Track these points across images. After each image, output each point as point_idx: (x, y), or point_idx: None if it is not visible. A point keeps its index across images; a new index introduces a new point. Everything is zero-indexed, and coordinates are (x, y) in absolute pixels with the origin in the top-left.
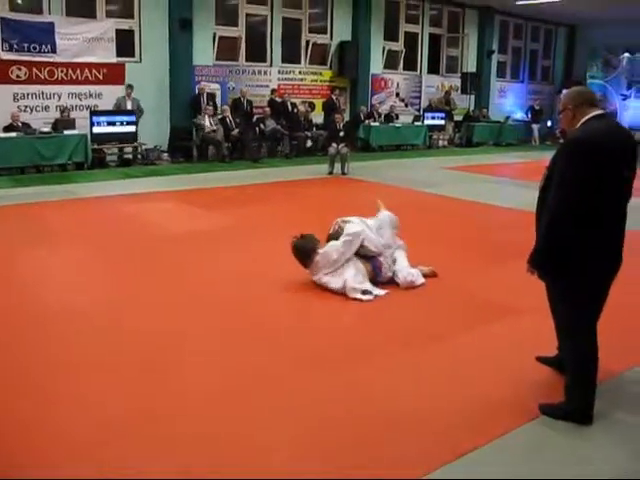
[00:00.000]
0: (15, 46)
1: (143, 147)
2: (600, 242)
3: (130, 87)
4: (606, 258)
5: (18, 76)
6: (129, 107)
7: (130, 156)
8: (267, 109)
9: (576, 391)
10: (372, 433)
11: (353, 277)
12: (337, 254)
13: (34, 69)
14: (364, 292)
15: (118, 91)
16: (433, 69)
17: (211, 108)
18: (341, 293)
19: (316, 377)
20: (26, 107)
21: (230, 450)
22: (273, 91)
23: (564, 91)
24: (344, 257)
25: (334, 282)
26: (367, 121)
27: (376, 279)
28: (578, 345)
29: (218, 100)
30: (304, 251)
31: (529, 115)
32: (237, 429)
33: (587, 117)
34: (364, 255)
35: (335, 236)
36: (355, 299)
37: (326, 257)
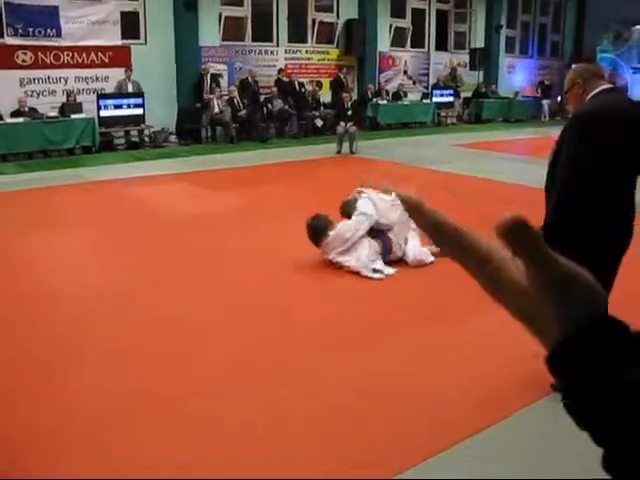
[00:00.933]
0: (20, 31)
1: (151, 129)
2: (610, 217)
3: (129, 69)
4: (616, 233)
5: (24, 61)
6: (130, 89)
7: (138, 139)
8: (274, 89)
9: None
10: (383, 414)
11: (367, 255)
12: (349, 233)
13: (39, 53)
14: (375, 270)
15: (124, 74)
16: (441, 45)
17: (219, 89)
18: (354, 271)
19: (326, 360)
20: (33, 92)
21: (235, 437)
22: (280, 71)
23: (573, 65)
24: (357, 235)
25: (348, 260)
26: (375, 99)
27: (384, 257)
28: None
29: (225, 81)
30: (317, 230)
31: (539, 91)
32: (244, 413)
33: (596, 90)
34: (376, 229)
35: (348, 206)
36: (367, 277)
37: (338, 237)
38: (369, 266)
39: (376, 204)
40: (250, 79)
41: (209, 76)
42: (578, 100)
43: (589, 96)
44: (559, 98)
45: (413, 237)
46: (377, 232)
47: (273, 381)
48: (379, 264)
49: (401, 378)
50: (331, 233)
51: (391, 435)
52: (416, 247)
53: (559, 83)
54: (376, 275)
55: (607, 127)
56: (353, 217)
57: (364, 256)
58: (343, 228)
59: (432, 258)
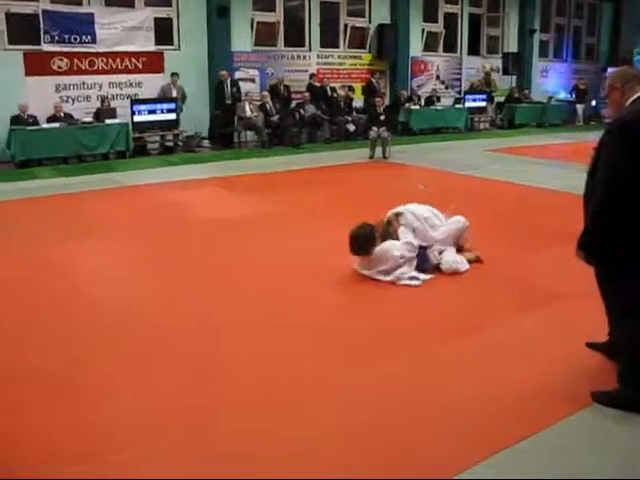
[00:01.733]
0: (56, 37)
1: (184, 134)
2: None
3: (176, 75)
4: None
5: (60, 67)
6: (174, 95)
7: (171, 144)
8: (306, 94)
9: (631, 378)
10: (424, 423)
11: (408, 273)
12: (397, 252)
13: (75, 60)
14: (411, 278)
15: (157, 79)
16: (473, 50)
17: (243, 94)
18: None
19: (357, 370)
20: (68, 98)
21: (262, 445)
22: (312, 76)
23: (609, 69)
24: (401, 260)
25: (387, 277)
26: (407, 104)
27: (422, 267)
28: (633, 327)
29: (257, 86)
30: (364, 241)
31: (573, 95)
32: (271, 424)
33: (636, 96)
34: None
35: (386, 232)
36: (404, 285)
37: (385, 253)
38: (405, 276)
39: (415, 228)
40: (279, 85)
41: (229, 82)
42: (618, 105)
43: (629, 101)
44: (594, 102)
45: (450, 249)
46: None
47: (306, 392)
48: (414, 272)
49: (438, 388)
50: (377, 249)
51: (429, 444)
52: (452, 255)
53: (594, 87)
54: (413, 282)
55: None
56: (401, 242)
57: (406, 274)
58: (390, 246)
59: (467, 266)
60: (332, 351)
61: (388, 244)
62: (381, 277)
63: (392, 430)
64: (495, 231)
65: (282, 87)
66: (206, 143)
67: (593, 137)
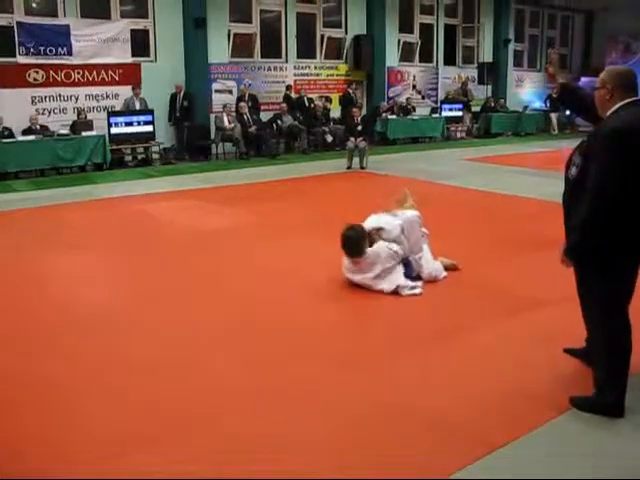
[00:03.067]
0: (32, 50)
1: (161, 146)
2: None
3: (137, 87)
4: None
5: (35, 79)
6: (137, 107)
7: (148, 156)
8: (284, 105)
9: (607, 383)
10: (403, 429)
11: (403, 279)
12: (385, 255)
13: (51, 72)
14: (412, 288)
15: (131, 92)
16: (449, 60)
17: (229, 108)
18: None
19: (345, 376)
20: (44, 110)
21: (257, 449)
22: (288, 87)
23: (582, 79)
24: (393, 262)
25: (386, 286)
26: (384, 114)
27: (408, 275)
28: (609, 332)
29: (234, 98)
30: (357, 241)
31: (547, 104)
32: (264, 428)
33: (625, 102)
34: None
35: (370, 239)
36: (408, 295)
37: (377, 254)
38: (407, 285)
39: (395, 238)
40: (244, 94)
41: (182, 94)
42: (602, 104)
43: (617, 105)
44: (568, 111)
45: (426, 250)
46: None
47: (293, 398)
48: (411, 282)
49: (419, 395)
50: (369, 250)
51: (410, 452)
52: (429, 263)
53: None
54: (416, 291)
55: (638, 143)
56: (384, 246)
57: (402, 280)
58: (381, 248)
59: (445, 273)
60: (318, 356)
61: (381, 244)
62: (378, 282)
63: (374, 436)
64: (472, 239)
65: (247, 96)
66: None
67: (567, 145)
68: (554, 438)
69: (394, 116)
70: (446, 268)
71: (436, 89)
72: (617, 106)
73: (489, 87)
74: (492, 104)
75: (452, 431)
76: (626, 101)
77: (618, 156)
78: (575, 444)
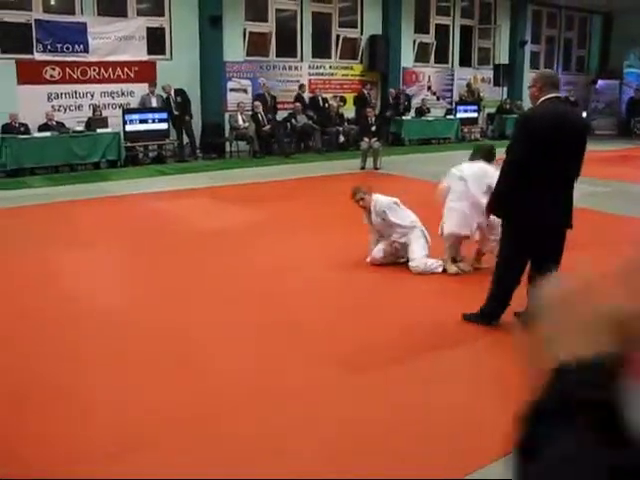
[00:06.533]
0: (49, 47)
1: (175, 144)
2: (535, 196)
3: (153, 84)
4: (540, 211)
5: (52, 76)
6: (154, 104)
7: (162, 153)
8: (298, 104)
9: (493, 296)
10: (405, 440)
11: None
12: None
13: (67, 69)
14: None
15: (147, 89)
16: (465, 61)
17: (243, 107)
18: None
19: (346, 378)
20: (60, 106)
21: (255, 452)
22: (301, 86)
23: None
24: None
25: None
26: (389, 112)
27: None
28: (504, 269)
29: (249, 96)
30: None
31: None
32: (264, 430)
33: (546, 97)
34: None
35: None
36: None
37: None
38: (437, 264)
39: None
40: (266, 94)
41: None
42: (533, 99)
43: (541, 99)
44: (584, 114)
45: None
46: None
47: (293, 400)
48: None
49: (424, 405)
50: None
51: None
52: (424, 258)
53: (584, 98)
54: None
55: (538, 128)
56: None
57: (434, 264)
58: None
59: (440, 269)
60: (322, 355)
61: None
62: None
63: (389, 436)
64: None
65: (269, 96)
66: (197, 153)
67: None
68: None
69: (408, 117)
70: (462, 271)
71: (451, 90)
72: (542, 99)
73: (505, 89)
74: (507, 106)
75: (472, 430)
76: (549, 96)
77: (521, 137)
78: None
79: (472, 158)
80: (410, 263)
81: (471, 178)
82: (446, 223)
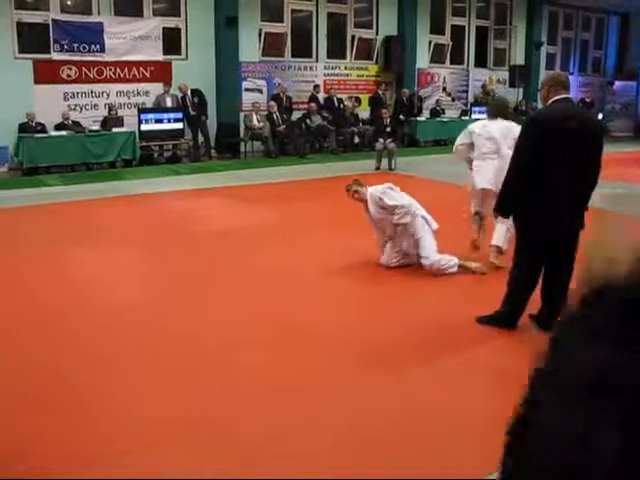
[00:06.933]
0: (65, 46)
1: (190, 143)
2: (549, 199)
3: (168, 84)
4: (549, 212)
5: (68, 75)
6: (169, 104)
7: (177, 153)
8: (312, 105)
9: (506, 299)
10: (422, 441)
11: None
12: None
13: (83, 68)
14: (452, 266)
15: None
16: (480, 62)
17: (258, 107)
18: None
19: (367, 375)
20: (76, 106)
21: (269, 453)
22: (316, 87)
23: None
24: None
25: (427, 244)
26: (402, 116)
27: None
28: (519, 272)
29: (264, 96)
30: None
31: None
32: (278, 431)
33: (556, 97)
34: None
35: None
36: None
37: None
38: (451, 263)
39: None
40: (281, 94)
41: (189, 92)
42: (544, 99)
43: (551, 100)
44: (600, 115)
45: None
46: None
47: (308, 403)
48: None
49: (450, 402)
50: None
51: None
52: (437, 255)
53: (601, 100)
54: (454, 269)
55: (546, 130)
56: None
57: (448, 262)
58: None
59: (455, 268)
60: (341, 356)
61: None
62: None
63: (411, 437)
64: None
65: (284, 97)
66: (212, 152)
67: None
68: None
69: (423, 118)
70: (473, 271)
71: (466, 91)
72: (551, 100)
73: (520, 90)
74: (523, 107)
75: (488, 430)
76: (558, 97)
77: (529, 137)
78: None
79: (491, 117)
80: (423, 261)
81: (500, 136)
82: (477, 179)
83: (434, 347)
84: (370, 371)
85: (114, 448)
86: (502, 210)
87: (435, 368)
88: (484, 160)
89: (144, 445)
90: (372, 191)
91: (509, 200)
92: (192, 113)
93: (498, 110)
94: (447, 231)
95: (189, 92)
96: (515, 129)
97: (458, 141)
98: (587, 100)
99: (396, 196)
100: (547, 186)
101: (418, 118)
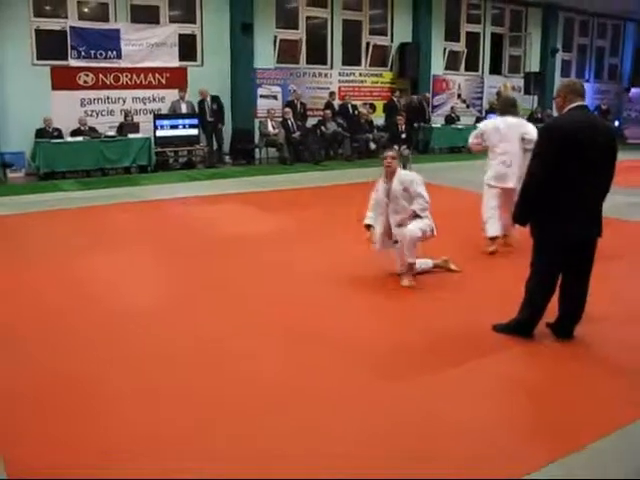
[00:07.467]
0: (83, 53)
1: (205, 149)
2: (566, 208)
3: (183, 90)
4: (567, 221)
5: (85, 82)
6: (184, 110)
7: (192, 159)
8: (327, 111)
9: (523, 306)
10: (437, 447)
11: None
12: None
13: (100, 75)
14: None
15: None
16: (495, 69)
17: (273, 113)
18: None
19: (377, 382)
20: (92, 112)
21: (285, 457)
22: (332, 94)
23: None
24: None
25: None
26: (415, 124)
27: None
28: (537, 281)
29: (279, 103)
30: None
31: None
32: (295, 437)
33: (572, 105)
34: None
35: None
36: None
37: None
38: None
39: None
40: (296, 100)
41: (209, 99)
42: (560, 107)
43: (566, 108)
44: (617, 122)
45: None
46: None
47: (321, 404)
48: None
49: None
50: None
51: (477, 454)
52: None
53: (616, 107)
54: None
55: (563, 138)
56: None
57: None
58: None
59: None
60: (351, 362)
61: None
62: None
63: (406, 447)
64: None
65: (299, 104)
66: (227, 159)
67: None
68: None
69: (437, 124)
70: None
71: (481, 98)
72: (567, 108)
73: (535, 97)
74: (538, 115)
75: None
76: (574, 105)
77: (545, 146)
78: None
79: (503, 114)
80: (407, 229)
81: (510, 132)
82: (493, 177)
83: (448, 354)
84: (382, 377)
85: (119, 456)
86: (521, 218)
87: (449, 375)
88: (495, 158)
89: (150, 451)
90: (404, 172)
91: (528, 208)
92: (209, 119)
93: (506, 107)
94: (461, 240)
95: (209, 98)
96: (526, 126)
97: (471, 138)
98: (603, 107)
99: (425, 189)
100: (565, 193)
101: (433, 125)
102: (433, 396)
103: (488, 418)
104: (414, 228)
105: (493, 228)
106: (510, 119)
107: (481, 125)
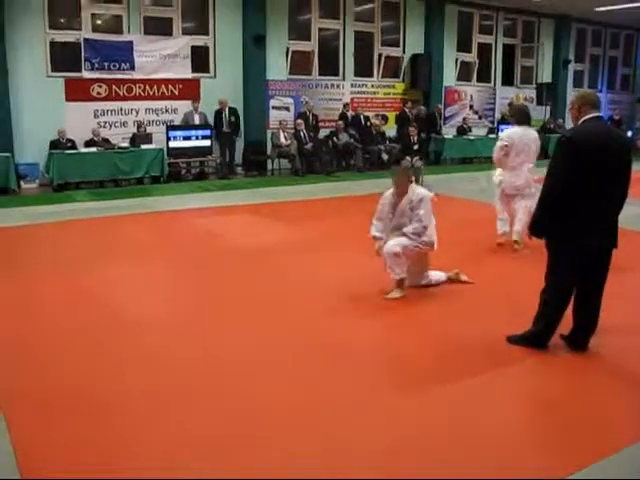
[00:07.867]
0: (96, 65)
1: (217, 161)
2: (582, 220)
3: (196, 101)
4: (584, 232)
5: (99, 93)
6: (197, 121)
7: (205, 170)
8: (340, 122)
9: (538, 317)
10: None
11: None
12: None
13: (113, 86)
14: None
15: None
16: (507, 80)
17: (285, 124)
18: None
19: (395, 395)
20: (105, 123)
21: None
22: (345, 105)
23: (575, 91)
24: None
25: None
26: (424, 134)
27: None
28: (552, 292)
29: (292, 114)
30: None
31: None
32: (312, 450)
33: (587, 117)
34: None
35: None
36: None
37: (424, 196)
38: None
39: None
40: (308, 112)
41: (227, 110)
42: (575, 118)
43: (581, 120)
44: (629, 133)
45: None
46: None
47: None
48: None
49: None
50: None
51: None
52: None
53: (629, 117)
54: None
55: (581, 151)
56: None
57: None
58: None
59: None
60: (369, 372)
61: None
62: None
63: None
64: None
65: (311, 115)
66: (239, 170)
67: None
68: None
69: (450, 136)
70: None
71: (493, 109)
72: (582, 119)
73: (548, 108)
74: (551, 125)
75: (550, 443)
76: (589, 116)
77: (563, 159)
78: None
79: (520, 123)
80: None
81: (534, 146)
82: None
83: (464, 365)
84: (398, 389)
85: (136, 463)
86: (537, 229)
87: (466, 385)
88: (513, 168)
89: (167, 462)
90: (417, 189)
91: (544, 220)
92: (225, 130)
93: (522, 117)
94: (473, 251)
95: (227, 109)
96: (538, 137)
97: (497, 153)
98: (615, 117)
99: (430, 213)
100: (582, 204)
101: (445, 136)
102: (452, 406)
103: (507, 428)
104: (394, 244)
105: (499, 225)
106: (529, 129)
107: (504, 137)
